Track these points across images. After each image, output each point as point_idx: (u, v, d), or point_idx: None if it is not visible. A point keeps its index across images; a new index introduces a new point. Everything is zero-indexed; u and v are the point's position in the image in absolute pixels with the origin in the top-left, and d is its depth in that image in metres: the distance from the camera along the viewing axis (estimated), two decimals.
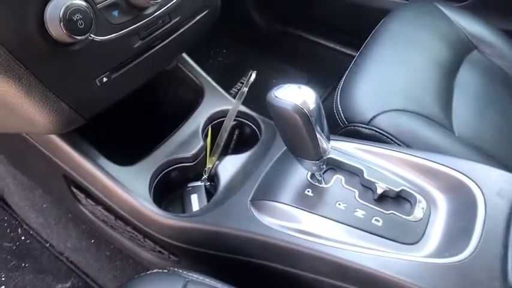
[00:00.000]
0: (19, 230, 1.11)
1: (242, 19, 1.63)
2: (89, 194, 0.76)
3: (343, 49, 1.49)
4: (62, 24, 0.50)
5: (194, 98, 0.85)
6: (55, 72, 0.55)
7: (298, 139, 0.54)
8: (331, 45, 1.52)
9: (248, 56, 1.55)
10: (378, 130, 0.73)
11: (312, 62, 1.52)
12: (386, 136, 0.73)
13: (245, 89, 0.82)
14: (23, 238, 1.10)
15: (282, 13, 1.61)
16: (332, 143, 0.59)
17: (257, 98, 0.78)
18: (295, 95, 0.50)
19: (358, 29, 1.02)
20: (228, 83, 0.84)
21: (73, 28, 0.50)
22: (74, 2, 0.50)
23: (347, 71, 0.87)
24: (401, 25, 0.99)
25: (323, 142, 0.54)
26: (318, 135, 0.52)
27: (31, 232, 1.10)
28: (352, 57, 0.94)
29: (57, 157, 0.73)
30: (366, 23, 1.00)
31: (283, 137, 0.57)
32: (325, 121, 0.54)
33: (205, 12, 0.73)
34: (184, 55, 0.85)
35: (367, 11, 1.31)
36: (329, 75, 0.96)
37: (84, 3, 0.51)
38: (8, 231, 1.11)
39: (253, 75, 0.83)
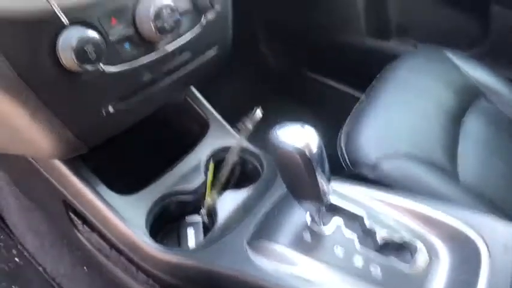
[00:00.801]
0: (13, 250, 1.10)
1: (253, 54, 1.66)
2: (85, 221, 0.75)
3: (351, 91, 1.51)
4: (73, 53, 0.51)
5: (198, 131, 0.85)
6: (62, 99, 0.56)
7: (298, 181, 0.53)
8: (339, 86, 1.54)
9: (256, 91, 1.58)
10: (381, 175, 0.73)
11: (318, 101, 1.54)
12: (389, 181, 0.72)
13: (250, 126, 0.82)
14: (16, 259, 1.08)
15: (292, 52, 1.65)
16: (333, 185, 0.58)
17: (261, 134, 0.78)
18: (297, 136, 0.50)
19: (366, 72, 1.04)
20: (234, 116, 0.85)
21: (84, 58, 0.52)
22: (87, 33, 0.52)
23: (352, 113, 0.87)
24: (408, 70, 1.00)
25: (324, 185, 0.53)
26: (318, 178, 0.52)
27: (25, 254, 1.08)
28: (358, 99, 0.95)
29: (57, 182, 0.73)
30: (374, 67, 1.02)
31: (283, 177, 0.57)
32: (326, 163, 0.53)
33: (214, 48, 0.75)
34: (192, 87, 0.87)
35: (376, 55, 1.34)
36: (335, 116, 0.97)
37: (97, 35, 0.52)
38: (3, 251, 1.10)
39: (259, 112, 0.83)
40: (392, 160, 0.75)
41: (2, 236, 1.12)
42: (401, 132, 0.84)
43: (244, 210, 0.69)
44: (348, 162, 0.76)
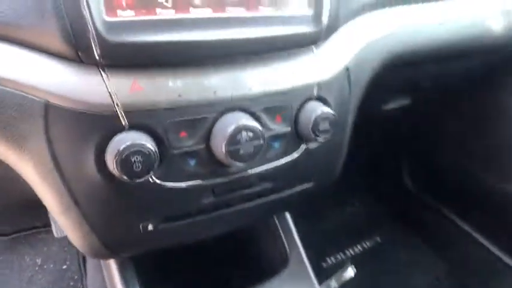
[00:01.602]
0: None
1: (389, 179, 1.45)
2: None
3: (502, 255, 1.14)
4: (117, 161, 0.42)
5: (272, 261, 0.69)
6: (97, 204, 0.48)
7: None
8: (486, 243, 1.19)
9: (374, 218, 1.34)
10: None
11: (453, 254, 1.21)
12: None
13: (335, 286, 0.63)
14: None
15: (438, 186, 1.38)
16: None
17: None
18: None
19: None
20: (333, 244, 0.67)
21: (128, 169, 0.43)
22: (140, 141, 0.43)
23: None
24: None
25: None
26: None
27: None
28: None
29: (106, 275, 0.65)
30: None
31: None
32: None
33: (308, 183, 0.60)
34: None
35: None
36: (473, 281, 0.68)
37: (149, 146, 0.43)
38: None
39: (351, 272, 0.64)
40: None
41: None
42: None
43: None
44: None
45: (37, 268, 1.16)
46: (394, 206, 1.44)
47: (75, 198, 0.46)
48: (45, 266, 1.16)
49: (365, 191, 1.51)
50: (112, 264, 0.64)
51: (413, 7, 0.72)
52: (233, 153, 0.47)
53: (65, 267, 1.16)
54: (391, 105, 1.06)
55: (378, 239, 1.06)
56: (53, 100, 0.42)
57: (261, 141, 0.48)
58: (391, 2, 0.69)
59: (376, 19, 0.66)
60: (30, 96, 0.42)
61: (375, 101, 0.82)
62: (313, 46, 0.54)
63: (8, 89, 0.42)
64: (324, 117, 0.52)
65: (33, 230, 1.22)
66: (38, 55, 0.42)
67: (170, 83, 0.45)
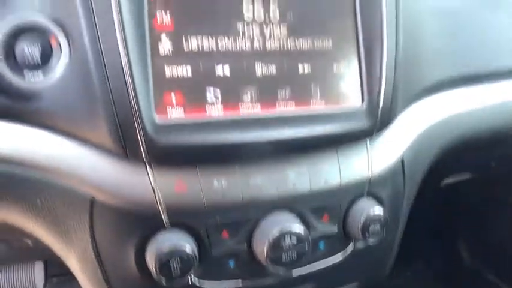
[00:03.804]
0: None
1: (446, 254, 1.35)
2: None
3: None
4: (155, 264, 0.41)
5: None
6: None
7: None
8: None
9: None
10: None
11: None
12: None
13: None
14: None
15: (498, 262, 1.25)
16: None
17: None
18: None
19: None
20: None
21: (166, 274, 0.41)
22: (179, 246, 0.41)
23: None
24: None
25: None
26: None
27: None
28: None
29: None
30: None
31: None
32: None
33: (353, 285, 0.55)
34: None
35: None
36: None
37: (189, 251, 0.41)
38: None
39: None
40: None
41: None
42: None
43: None
44: None
45: None
46: (452, 283, 1.32)
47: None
48: None
49: (422, 266, 1.41)
50: None
51: (473, 89, 0.67)
52: (275, 259, 0.44)
53: None
54: (449, 181, 0.99)
55: None
56: (99, 196, 0.42)
57: (306, 246, 0.45)
58: (449, 85, 0.65)
59: (434, 104, 0.62)
60: (77, 191, 0.43)
61: (433, 179, 0.76)
62: (367, 139, 0.52)
63: (57, 182, 0.43)
64: (375, 219, 0.48)
65: None
66: (85, 148, 0.43)
67: (215, 183, 0.43)
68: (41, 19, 0.40)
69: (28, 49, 0.40)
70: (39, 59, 0.40)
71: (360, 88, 0.48)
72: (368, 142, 0.52)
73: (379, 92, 0.48)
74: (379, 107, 0.48)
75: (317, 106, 0.47)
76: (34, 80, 0.40)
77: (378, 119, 0.49)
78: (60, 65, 0.40)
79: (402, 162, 0.55)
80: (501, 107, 0.69)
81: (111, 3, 0.38)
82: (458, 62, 0.63)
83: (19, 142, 0.42)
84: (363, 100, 0.48)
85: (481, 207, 1.26)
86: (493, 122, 0.69)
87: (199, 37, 0.42)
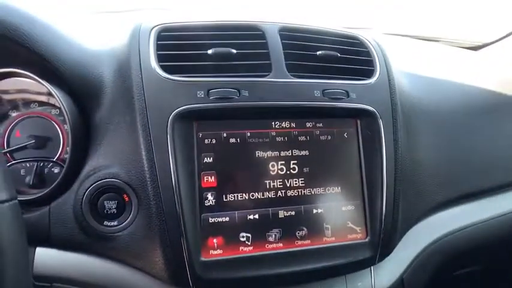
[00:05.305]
0: None
1: None
2: None
3: None
4: None
5: None
6: None
7: None
8: None
9: None
10: None
11: None
12: None
13: None
14: None
15: None
16: None
17: None
18: None
19: None
20: None
21: None
22: None
23: None
24: None
25: None
26: None
27: None
28: None
29: None
30: None
31: None
32: None
33: None
34: None
35: None
36: None
37: None
38: None
39: None
40: None
41: None
42: None
43: None
44: None
45: None
46: None
47: None
48: None
49: None
50: None
51: (467, 206, 0.75)
52: None
53: None
54: (461, 271, 1.05)
55: None
56: None
57: None
58: (445, 205, 0.73)
59: (429, 225, 0.71)
60: None
61: (444, 271, 0.83)
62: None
63: None
64: None
65: None
66: (145, 277, 0.55)
67: None
68: (118, 181, 0.54)
69: (107, 204, 0.54)
70: (115, 211, 0.54)
71: (364, 226, 0.59)
72: (372, 267, 0.62)
73: (380, 228, 0.59)
74: (380, 240, 0.59)
75: (329, 241, 0.58)
76: (111, 227, 0.54)
77: (380, 251, 0.59)
78: (131, 215, 0.54)
79: (402, 280, 0.65)
80: (497, 220, 0.77)
81: (171, 172, 0.51)
82: (454, 185, 0.73)
83: (95, 270, 0.55)
84: (367, 235, 0.59)
85: None
86: (489, 235, 0.77)
87: (236, 194, 0.55)
